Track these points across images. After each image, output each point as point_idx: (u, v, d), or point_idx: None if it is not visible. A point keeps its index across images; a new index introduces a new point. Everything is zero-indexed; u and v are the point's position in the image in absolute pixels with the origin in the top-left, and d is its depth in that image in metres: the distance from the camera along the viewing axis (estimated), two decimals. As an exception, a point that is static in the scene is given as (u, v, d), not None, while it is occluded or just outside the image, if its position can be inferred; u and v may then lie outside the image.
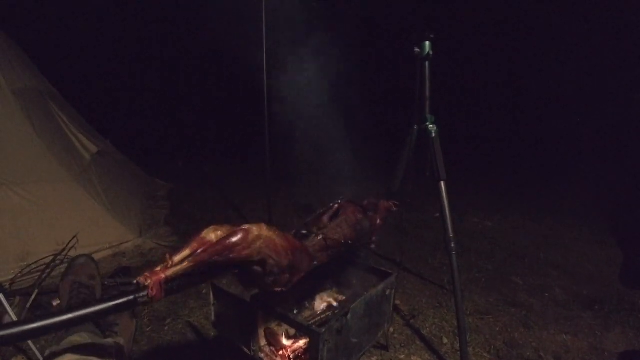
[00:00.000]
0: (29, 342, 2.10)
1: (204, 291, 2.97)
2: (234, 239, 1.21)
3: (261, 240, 1.29)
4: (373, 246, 2.20)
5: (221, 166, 8.30)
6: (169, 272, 1.13)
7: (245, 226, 1.26)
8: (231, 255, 1.21)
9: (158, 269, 1.13)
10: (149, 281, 1.09)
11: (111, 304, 1.05)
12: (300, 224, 1.84)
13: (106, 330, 2.00)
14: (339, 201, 2.03)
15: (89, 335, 1.65)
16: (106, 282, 2.97)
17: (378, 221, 2.18)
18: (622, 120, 8.25)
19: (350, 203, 2.04)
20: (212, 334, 2.55)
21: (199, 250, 1.18)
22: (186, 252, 1.20)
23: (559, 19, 9.72)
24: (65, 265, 2.46)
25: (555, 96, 10.18)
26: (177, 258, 1.18)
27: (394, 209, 2.32)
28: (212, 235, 1.25)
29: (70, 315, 0.98)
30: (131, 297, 1.07)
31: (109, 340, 1.72)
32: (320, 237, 1.70)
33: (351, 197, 2.10)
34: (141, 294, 1.08)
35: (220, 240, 1.21)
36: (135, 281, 1.10)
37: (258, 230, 1.28)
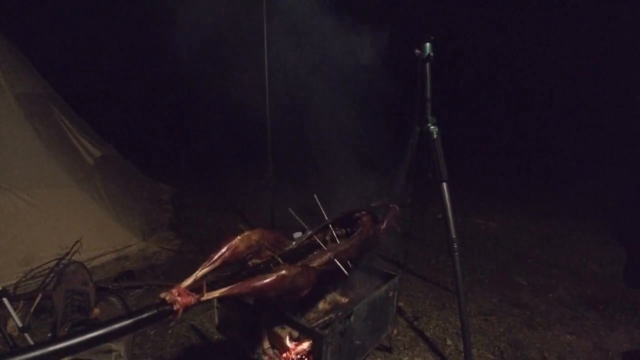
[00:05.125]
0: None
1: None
2: (272, 282, 1.32)
3: (287, 279, 1.38)
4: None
5: (224, 170, 8.31)
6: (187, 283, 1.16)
7: (283, 272, 1.36)
8: (261, 292, 1.32)
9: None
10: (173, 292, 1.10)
11: (146, 315, 1.04)
12: (312, 228, 1.83)
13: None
14: (363, 212, 2.03)
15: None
16: (110, 286, 2.99)
17: (383, 226, 2.19)
18: (624, 121, 8.23)
19: (370, 216, 2.04)
20: (216, 337, 2.55)
21: (234, 286, 1.25)
22: (216, 262, 1.32)
23: (561, 19, 9.71)
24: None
25: (558, 97, 10.16)
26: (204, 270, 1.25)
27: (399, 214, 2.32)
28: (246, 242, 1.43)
29: (91, 335, 0.95)
30: (160, 309, 1.06)
31: (107, 345, 1.73)
32: (329, 255, 1.70)
33: (371, 208, 2.10)
34: (168, 305, 1.08)
35: (258, 283, 1.29)
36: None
37: (288, 272, 1.38)
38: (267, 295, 1.35)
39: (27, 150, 3.30)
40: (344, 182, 2.58)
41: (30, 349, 0.86)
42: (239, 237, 1.40)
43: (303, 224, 1.82)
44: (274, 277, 1.33)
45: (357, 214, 2.02)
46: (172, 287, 1.11)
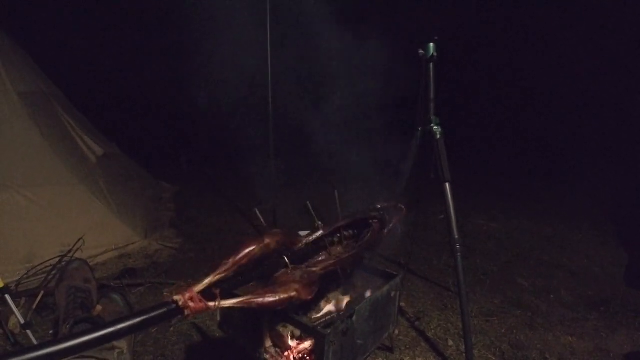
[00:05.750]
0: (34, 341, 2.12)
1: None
2: (281, 301, 1.32)
3: (296, 298, 1.38)
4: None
5: (226, 169, 8.31)
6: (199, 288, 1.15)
7: (293, 293, 1.35)
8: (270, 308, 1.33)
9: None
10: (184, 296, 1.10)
11: (155, 313, 1.04)
12: (320, 227, 1.82)
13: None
14: (375, 220, 2.02)
15: None
16: (112, 283, 2.99)
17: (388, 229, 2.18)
18: (626, 122, 8.23)
19: (380, 223, 2.04)
20: (218, 335, 2.56)
21: (245, 299, 1.25)
22: (233, 268, 1.29)
23: (562, 19, 9.70)
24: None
25: (559, 97, 10.15)
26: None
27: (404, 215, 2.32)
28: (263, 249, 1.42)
29: (102, 332, 0.95)
30: (169, 308, 1.07)
31: (110, 343, 1.74)
32: (333, 262, 1.70)
33: (382, 214, 2.08)
34: (175, 304, 1.07)
35: (268, 300, 1.29)
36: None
37: (297, 293, 1.38)
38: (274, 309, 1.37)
39: (30, 148, 3.31)
40: (346, 182, 2.59)
41: (44, 346, 0.87)
42: (258, 245, 1.37)
43: (319, 223, 1.81)
44: (284, 297, 1.33)
45: (369, 221, 2.01)
46: (185, 289, 1.10)
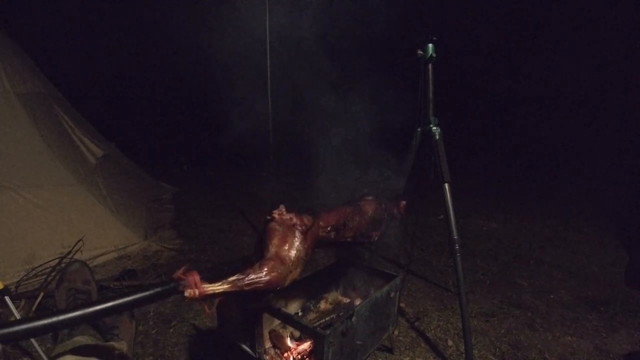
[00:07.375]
0: (35, 343, 2.12)
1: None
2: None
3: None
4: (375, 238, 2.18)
5: (226, 170, 8.32)
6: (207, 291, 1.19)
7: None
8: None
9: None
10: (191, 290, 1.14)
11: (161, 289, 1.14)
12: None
13: (107, 334, 2.01)
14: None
15: (91, 337, 1.66)
16: (112, 285, 2.99)
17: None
18: (626, 123, 8.24)
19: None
20: (217, 336, 2.55)
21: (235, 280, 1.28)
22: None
23: (564, 19, 9.70)
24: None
25: (560, 98, 10.16)
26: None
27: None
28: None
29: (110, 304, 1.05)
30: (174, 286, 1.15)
31: (111, 344, 1.74)
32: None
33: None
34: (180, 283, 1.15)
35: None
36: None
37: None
38: None
39: (29, 149, 3.31)
40: (345, 183, 2.59)
41: (77, 308, 1.00)
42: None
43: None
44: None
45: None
46: (197, 287, 1.15)
